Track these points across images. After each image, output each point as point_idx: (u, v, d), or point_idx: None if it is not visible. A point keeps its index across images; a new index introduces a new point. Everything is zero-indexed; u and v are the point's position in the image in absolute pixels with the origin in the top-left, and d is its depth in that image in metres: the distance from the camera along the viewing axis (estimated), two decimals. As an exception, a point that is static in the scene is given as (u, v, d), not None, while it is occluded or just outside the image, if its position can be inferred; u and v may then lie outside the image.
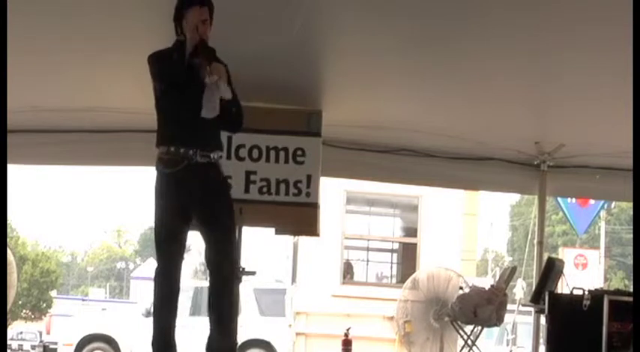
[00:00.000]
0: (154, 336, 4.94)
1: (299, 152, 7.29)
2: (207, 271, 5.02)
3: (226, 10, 5.07)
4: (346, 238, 16.32)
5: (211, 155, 4.89)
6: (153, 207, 4.93)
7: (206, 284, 4.98)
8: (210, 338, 4.93)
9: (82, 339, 16.96)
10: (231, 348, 4.99)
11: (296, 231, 8.70)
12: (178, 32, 4.95)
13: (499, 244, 60.60)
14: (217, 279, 4.92)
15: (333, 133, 7.73)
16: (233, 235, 4.96)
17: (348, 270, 16.47)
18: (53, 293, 46.38)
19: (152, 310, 5.03)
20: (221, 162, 5.00)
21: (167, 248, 4.90)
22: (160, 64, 4.89)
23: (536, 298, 8.00)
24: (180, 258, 4.93)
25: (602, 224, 37.30)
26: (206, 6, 4.91)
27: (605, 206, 27.24)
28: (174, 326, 4.94)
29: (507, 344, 20.74)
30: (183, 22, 4.91)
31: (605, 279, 34.69)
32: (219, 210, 4.91)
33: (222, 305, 4.94)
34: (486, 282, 11.75)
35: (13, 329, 37.04)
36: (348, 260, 16.60)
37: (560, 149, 8.46)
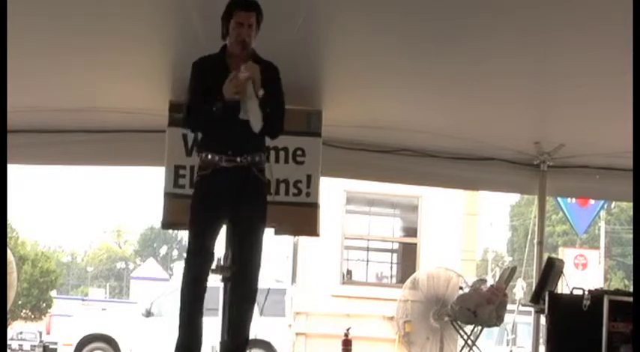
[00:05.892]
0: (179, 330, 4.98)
1: (299, 152, 7.29)
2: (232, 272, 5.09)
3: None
4: (346, 238, 16.28)
5: (238, 159, 4.92)
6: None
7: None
8: (226, 335, 5.00)
9: (82, 339, 16.92)
10: (242, 347, 4.99)
11: (296, 231, 8.66)
12: (224, 32, 5.01)
13: (499, 244, 60.63)
14: (240, 280, 4.97)
15: (333, 133, 7.73)
16: (257, 237, 4.97)
17: (346, 273, 16.44)
18: (53, 293, 46.36)
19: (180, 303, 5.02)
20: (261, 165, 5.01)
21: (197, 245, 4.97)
22: (199, 85, 4.96)
23: (536, 298, 8.00)
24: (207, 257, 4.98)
25: (602, 224, 37.34)
26: (253, 11, 4.93)
27: (605, 206, 27.25)
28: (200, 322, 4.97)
29: (507, 344, 20.71)
30: (231, 22, 4.94)
31: (605, 279, 34.69)
32: (244, 212, 4.96)
33: (244, 306, 4.96)
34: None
35: (13, 329, 36.98)
36: (347, 261, 16.57)
37: (560, 149, 8.46)
